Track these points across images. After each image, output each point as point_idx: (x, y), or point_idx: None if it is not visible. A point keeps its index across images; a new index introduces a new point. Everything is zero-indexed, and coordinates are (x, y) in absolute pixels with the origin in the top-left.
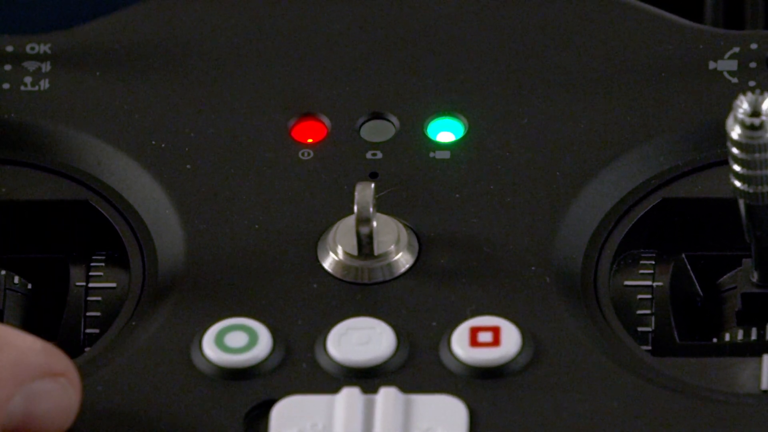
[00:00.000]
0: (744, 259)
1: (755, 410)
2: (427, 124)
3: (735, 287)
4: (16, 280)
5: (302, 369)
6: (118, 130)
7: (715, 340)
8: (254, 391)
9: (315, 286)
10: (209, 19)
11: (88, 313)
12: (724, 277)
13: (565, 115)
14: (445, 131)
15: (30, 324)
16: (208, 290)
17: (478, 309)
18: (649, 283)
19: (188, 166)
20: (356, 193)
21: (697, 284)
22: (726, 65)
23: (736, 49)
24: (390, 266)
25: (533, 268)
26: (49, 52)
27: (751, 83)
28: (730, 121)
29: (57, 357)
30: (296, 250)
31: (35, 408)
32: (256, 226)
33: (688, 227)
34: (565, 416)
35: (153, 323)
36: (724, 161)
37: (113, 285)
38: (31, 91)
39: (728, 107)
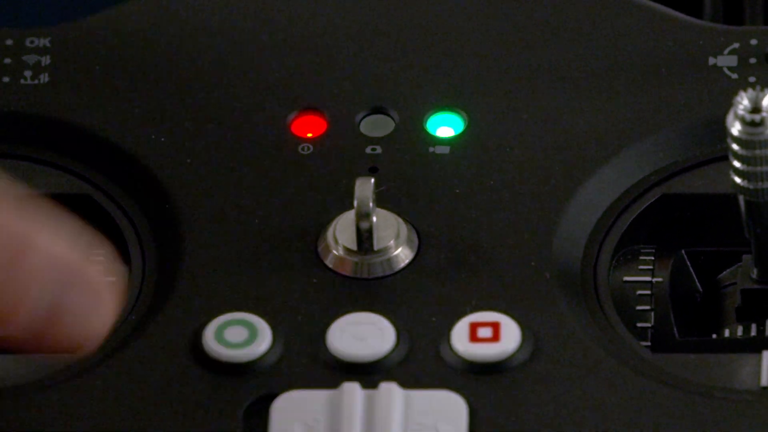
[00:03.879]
0: (744, 255)
1: (755, 407)
2: (427, 119)
3: (735, 283)
4: None
5: (302, 364)
6: (117, 124)
7: (714, 336)
8: (254, 385)
9: (315, 281)
10: (209, 13)
11: None
12: (724, 273)
13: (565, 110)
14: (445, 126)
15: None
16: (207, 285)
17: (477, 304)
18: (648, 279)
19: (188, 161)
20: (356, 188)
21: (696, 280)
22: (725, 61)
23: (736, 45)
24: (390, 261)
25: (533, 263)
26: (48, 45)
27: (751, 79)
28: (730, 117)
29: (94, 266)
30: (296, 245)
31: (64, 314)
32: (256, 221)
33: (687, 223)
34: (564, 412)
35: (153, 318)
36: (723, 157)
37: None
38: (30, 85)
39: (728, 103)
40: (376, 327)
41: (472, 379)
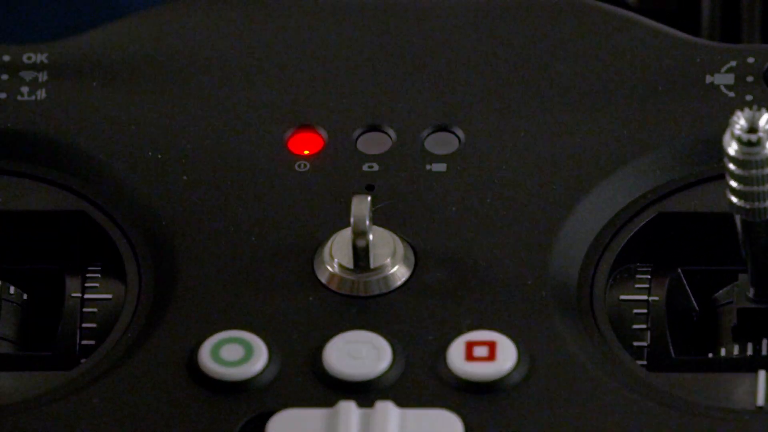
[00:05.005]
0: (740, 274)
1: (750, 426)
2: (424, 137)
3: (731, 302)
4: (12, 290)
5: (298, 382)
6: (114, 141)
7: (710, 355)
8: (250, 404)
9: (311, 299)
10: (206, 30)
11: (83, 325)
12: (720, 292)
13: (562, 128)
14: (442, 144)
15: (25, 335)
16: (204, 302)
17: (473, 323)
18: (645, 297)
19: (184, 178)
20: (352, 206)
21: (693, 299)
22: (723, 79)
23: (733, 63)
24: (386, 279)
25: (529, 282)
26: (45, 61)
27: (748, 97)
28: (727, 137)
29: None
30: (292, 262)
31: None
32: (252, 239)
33: (684, 242)
34: (560, 431)
35: (149, 335)
36: (720, 176)
37: (109, 296)
38: (27, 101)
39: (725, 121)
40: (372, 345)
41: (468, 398)
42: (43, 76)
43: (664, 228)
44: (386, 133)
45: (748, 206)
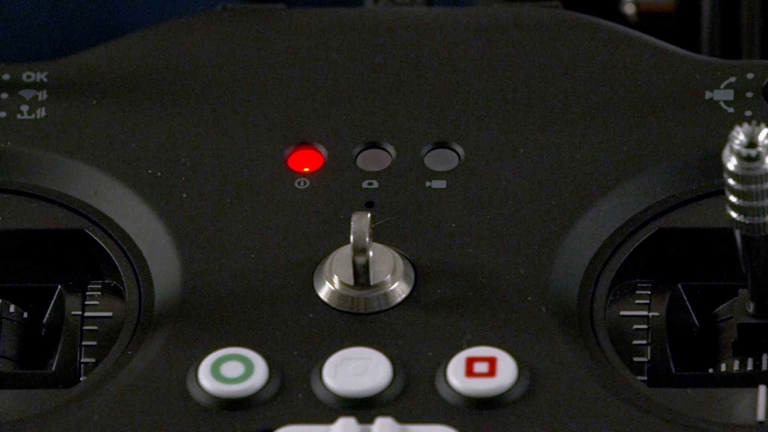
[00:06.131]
0: (740, 290)
1: None
2: (424, 154)
3: (731, 317)
4: (12, 308)
5: (298, 399)
6: (114, 159)
7: (711, 370)
8: (250, 421)
9: (311, 315)
10: (206, 48)
11: (84, 342)
12: (720, 307)
13: (562, 145)
14: (441, 161)
15: (26, 353)
16: (204, 320)
17: (474, 339)
18: (645, 313)
19: (185, 195)
20: (352, 223)
21: (693, 314)
22: (722, 95)
23: (732, 79)
24: (386, 296)
25: (529, 298)
26: (45, 80)
27: (747, 113)
28: (726, 152)
29: None
30: (292, 279)
31: None
32: (253, 256)
33: (684, 257)
34: None
35: (149, 353)
36: (720, 191)
37: (109, 314)
38: (27, 120)
39: (724, 137)
40: (372, 362)
41: (469, 414)
42: (42, 95)
43: (664, 243)
44: (386, 150)
45: (747, 221)
